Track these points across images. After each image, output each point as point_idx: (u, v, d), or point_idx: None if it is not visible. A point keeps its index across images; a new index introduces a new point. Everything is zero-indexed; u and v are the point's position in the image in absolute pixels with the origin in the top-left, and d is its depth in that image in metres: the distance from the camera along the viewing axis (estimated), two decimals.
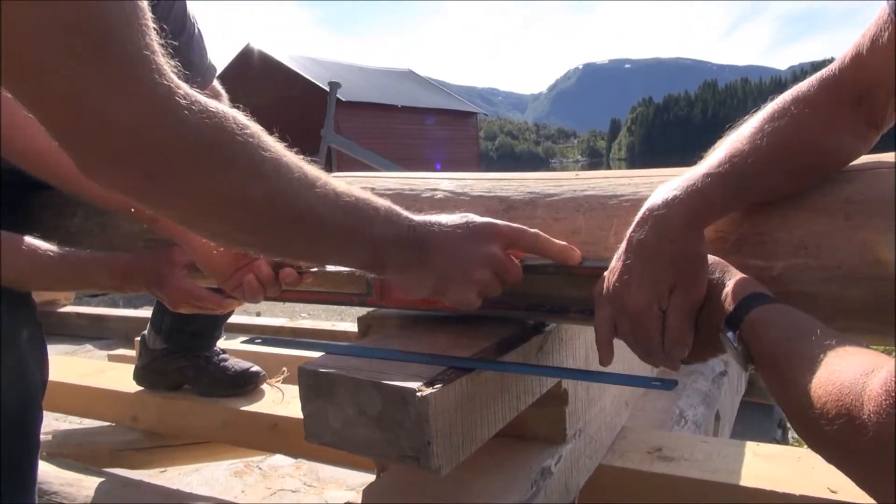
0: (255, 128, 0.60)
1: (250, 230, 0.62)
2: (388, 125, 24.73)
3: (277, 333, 3.10)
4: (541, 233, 0.79)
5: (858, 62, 0.69)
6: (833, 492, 0.98)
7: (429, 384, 0.68)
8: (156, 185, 0.54)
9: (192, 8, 1.24)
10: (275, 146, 0.61)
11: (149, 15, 0.52)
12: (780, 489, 1.00)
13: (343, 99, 22.48)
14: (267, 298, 0.91)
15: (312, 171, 0.64)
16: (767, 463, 1.09)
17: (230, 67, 24.72)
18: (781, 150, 0.69)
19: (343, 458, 1.67)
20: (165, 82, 0.51)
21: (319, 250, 0.69)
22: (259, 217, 0.61)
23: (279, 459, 2.15)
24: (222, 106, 0.57)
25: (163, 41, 0.53)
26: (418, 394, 0.66)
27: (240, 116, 0.58)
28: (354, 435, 0.72)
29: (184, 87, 0.53)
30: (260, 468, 2.21)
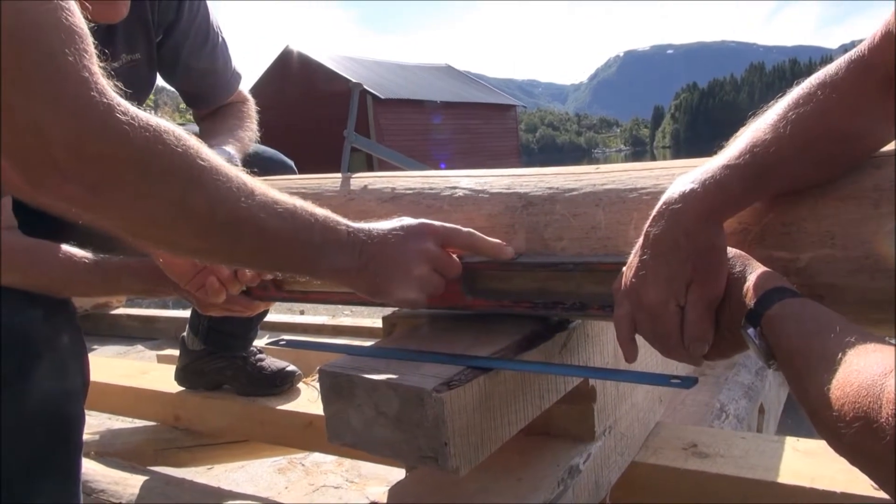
0: (193, 141, 0.63)
1: (193, 237, 0.66)
2: (428, 121, 24.77)
3: (319, 331, 3.14)
4: (475, 231, 0.83)
5: (888, 41, 0.65)
6: (876, 488, 0.94)
7: (445, 384, 0.68)
8: (99, 197, 0.58)
9: (217, 18, 1.26)
10: (213, 157, 0.64)
11: (90, 40, 0.56)
12: (820, 486, 0.96)
13: (382, 97, 22.63)
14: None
15: (251, 180, 0.68)
16: (808, 459, 1.05)
17: (271, 70, 25.13)
18: (806, 139, 0.66)
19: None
20: (106, 101, 0.56)
21: (262, 256, 0.72)
22: (201, 225, 0.64)
23: (321, 456, 2.19)
24: (163, 122, 0.61)
25: (104, 65, 0.57)
26: (434, 394, 0.66)
27: (178, 130, 0.62)
28: (375, 436, 0.73)
29: (124, 105, 0.57)
30: (303, 464, 2.25)
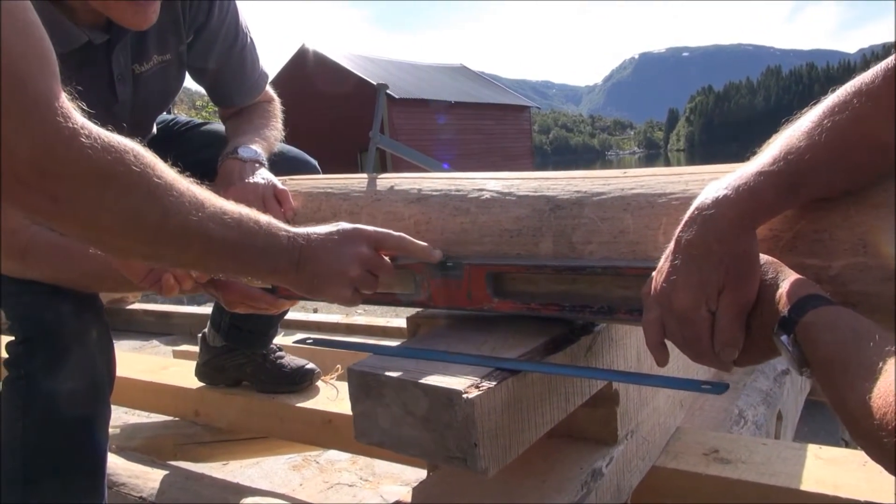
0: (150, 158, 0.69)
1: (146, 245, 0.72)
2: (441, 121, 24.78)
3: (333, 330, 3.16)
4: (405, 235, 0.91)
5: None
6: None
7: (475, 386, 0.68)
8: (60, 208, 0.64)
9: (246, 19, 1.27)
10: (168, 173, 0.71)
11: (56, 66, 0.62)
12: (842, 494, 0.96)
13: (396, 96, 22.66)
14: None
15: (202, 192, 0.74)
16: (830, 467, 1.05)
17: (287, 68, 25.23)
18: (841, 147, 0.66)
19: (397, 454, 1.70)
20: (70, 125, 0.62)
21: (209, 261, 0.78)
22: (154, 234, 0.71)
23: (336, 454, 2.20)
24: (125, 141, 0.67)
25: (69, 87, 0.63)
26: (464, 395, 0.67)
27: (138, 148, 0.69)
28: (403, 435, 0.73)
29: (88, 127, 0.64)
30: (317, 462, 2.27)
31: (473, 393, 0.67)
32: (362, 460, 2.19)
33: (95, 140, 0.64)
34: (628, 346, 0.97)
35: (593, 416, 0.96)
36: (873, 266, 0.66)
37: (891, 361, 0.46)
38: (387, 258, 0.90)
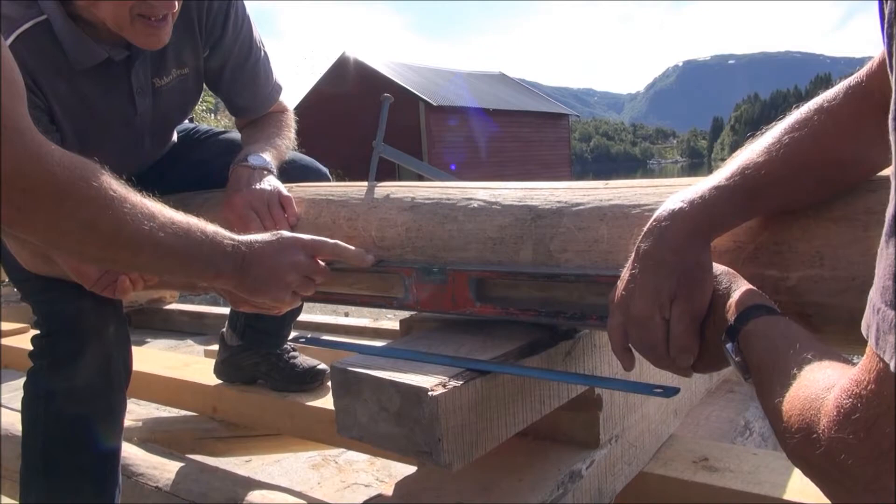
0: (106, 175, 0.78)
1: (100, 251, 0.81)
2: (479, 128, 24.82)
3: (361, 333, 3.22)
4: (340, 242, 1.00)
5: (884, 67, 0.67)
6: None
7: (442, 384, 0.72)
8: (24, 216, 0.73)
9: (259, 34, 1.34)
10: (121, 188, 0.80)
11: (24, 90, 0.70)
12: None
13: (434, 104, 22.80)
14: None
15: (153, 205, 0.84)
16: None
17: (327, 76, 25.62)
18: (798, 163, 0.68)
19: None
20: (35, 146, 0.71)
21: (160, 265, 0.87)
22: (108, 241, 0.79)
23: (355, 454, 2.25)
24: (83, 160, 0.77)
25: (36, 111, 0.73)
26: (430, 393, 0.71)
27: (95, 166, 0.78)
28: (378, 430, 0.78)
29: (50, 147, 0.73)
30: (336, 462, 2.32)
31: (439, 391, 0.71)
32: (380, 461, 2.23)
33: (59, 159, 0.72)
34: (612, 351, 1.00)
35: (576, 420, 0.99)
36: (828, 278, 0.68)
37: (806, 368, 0.49)
38: (323, 263, 0.99)
